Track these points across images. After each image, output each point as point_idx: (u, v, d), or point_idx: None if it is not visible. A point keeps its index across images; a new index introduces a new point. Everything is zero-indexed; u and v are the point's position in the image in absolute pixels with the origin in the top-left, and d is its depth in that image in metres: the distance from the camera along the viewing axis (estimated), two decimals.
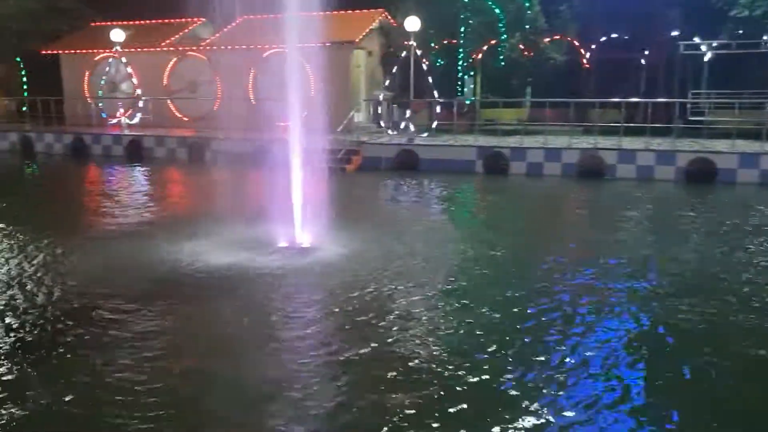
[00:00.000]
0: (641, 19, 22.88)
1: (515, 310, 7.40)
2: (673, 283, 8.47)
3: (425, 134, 21.29)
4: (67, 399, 5.34)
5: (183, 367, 5.92)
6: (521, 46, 22.78)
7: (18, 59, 29.79)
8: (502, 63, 22.80)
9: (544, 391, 5.48)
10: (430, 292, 7.94)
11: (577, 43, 24.04)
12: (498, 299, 7.76)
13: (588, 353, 6.25)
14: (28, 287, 8.20)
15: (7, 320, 7.05)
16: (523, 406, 5.22)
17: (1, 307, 7.44)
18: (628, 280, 8.57)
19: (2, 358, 6.12)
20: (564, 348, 6.37)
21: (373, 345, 6.35)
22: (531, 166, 18.44)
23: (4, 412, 5.18)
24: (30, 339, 6.57)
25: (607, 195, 15.94)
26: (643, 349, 6.39)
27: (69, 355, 6.19)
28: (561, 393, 5.46)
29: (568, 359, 6.11)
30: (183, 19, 27.63)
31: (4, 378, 5.72)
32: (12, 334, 6.67)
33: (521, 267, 9.23)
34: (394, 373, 5.75)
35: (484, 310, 7.34)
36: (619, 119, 19.22)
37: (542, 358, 6.13)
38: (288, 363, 5.98)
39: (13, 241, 10.53)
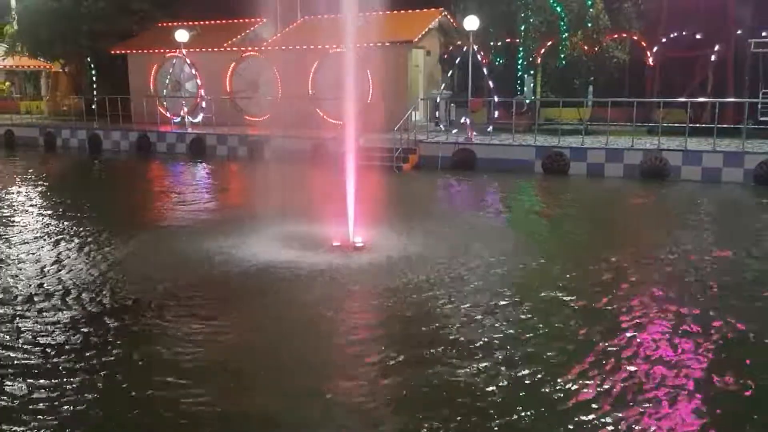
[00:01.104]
0: (709, 16, 22.00)
1: (581, 318, 7.10)
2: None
3: (488, 130, 20.97)
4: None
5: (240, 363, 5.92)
6: (583, 45, 22.22)
7: (88, 59, 30.71)
8: (564, 62, 22.28)
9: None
10: (489, 298, 7.64)
11: (641, 41, 23.32)
12: (564, 307, 7.46)
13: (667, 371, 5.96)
14: (99, 276, 8.43)
15: (75, 311, 7.22)
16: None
17: (85, 295, 7.65)
18: (707, 291, 8.17)
19: (73, 341, 6.26)
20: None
21: (426, 352, 6.17)
22: (592, 167, 17.94)
23: (70, 397, 5.27)
24: (92, 326, 6.70)
25: (674, 197, 15.32)
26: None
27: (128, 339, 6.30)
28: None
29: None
30: (245, 20, 27.98)
31: (73, 363, 5.84)
32: (80, 322, 6.83)
33: (585, 272, 8.82)
34: (461, 397, 5.36)
35: (549, 317, 7.05)
36: (685, 119, 18.55)
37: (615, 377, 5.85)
38: (341, 373, 5.85)
39: (88, 236, 10.83)
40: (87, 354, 6.12)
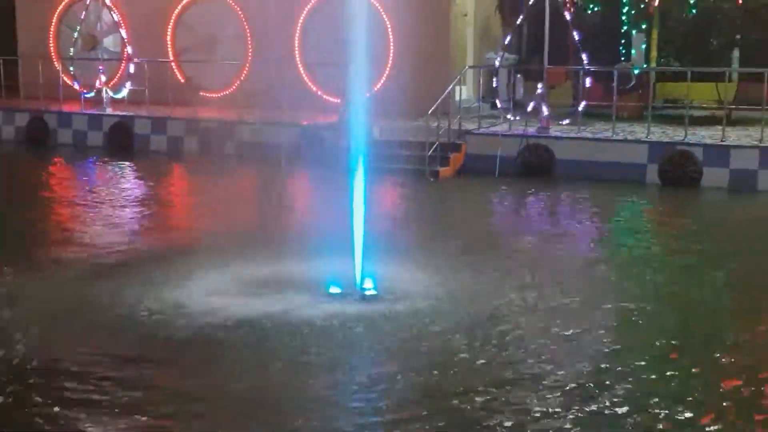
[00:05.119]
0: None
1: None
2: None
3: (567, 121, 21.00)
4: None
5: None
6: None
7: None
8: (693, 11, 22.34)
9: None
10: (553, 383, 7.50)
11: None
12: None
13: None
14: None
15: None
16: None
17: None
18: None
19: None
20: None
21: None
22: (737, 176, 17.88)
23: None
24: None
25: None
26: None
27: None
28: None
29: None
30: None
31: None
32: None
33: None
34: None
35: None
36: None
37: None
38: None
39: None
40: None
